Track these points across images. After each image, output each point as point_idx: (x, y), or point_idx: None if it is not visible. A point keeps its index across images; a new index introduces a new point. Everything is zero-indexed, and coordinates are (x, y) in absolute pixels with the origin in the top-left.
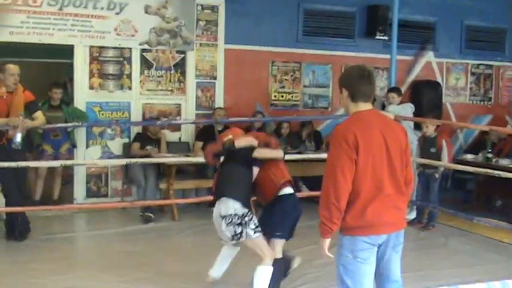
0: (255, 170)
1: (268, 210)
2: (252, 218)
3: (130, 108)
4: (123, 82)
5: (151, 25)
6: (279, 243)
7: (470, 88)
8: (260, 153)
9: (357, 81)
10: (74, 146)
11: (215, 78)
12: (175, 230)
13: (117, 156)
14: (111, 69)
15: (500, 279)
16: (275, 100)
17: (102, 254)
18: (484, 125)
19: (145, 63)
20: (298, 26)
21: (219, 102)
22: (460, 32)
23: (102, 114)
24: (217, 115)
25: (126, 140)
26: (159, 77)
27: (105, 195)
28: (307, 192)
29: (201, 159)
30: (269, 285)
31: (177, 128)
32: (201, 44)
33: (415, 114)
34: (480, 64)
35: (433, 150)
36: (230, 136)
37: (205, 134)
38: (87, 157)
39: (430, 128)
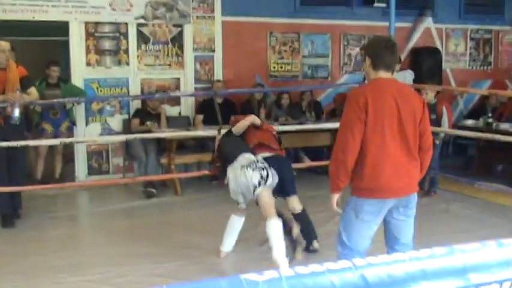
0: None
1: None
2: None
3: (128, 84)
4: (120, 58)
5: None
6: None
7: (470, 53)
8: (237, 127)
9: (380, 51)
10: (73, 123)
11: (213, 51)
12: (178, 205)
13: (117, 133)
14: (107, 45)
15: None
16: (274, 71)
17: (106, 230)
18: (484, 90)
19: (142, 38)
20: None
21: (218, 74)
22: None
23: (101, 91)
24: (216, 88)
25: (126, 116)
26: (156, 51)
27: (107, 172)
28: (308, 163)
29: (201, 133)
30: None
31: (176, 102)
32: (197, 17)
33: (415, 81)
34: (479, 29)
35: (433, 116)
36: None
37: (205, 107)
38: (87, 134)
39: (430, 94)
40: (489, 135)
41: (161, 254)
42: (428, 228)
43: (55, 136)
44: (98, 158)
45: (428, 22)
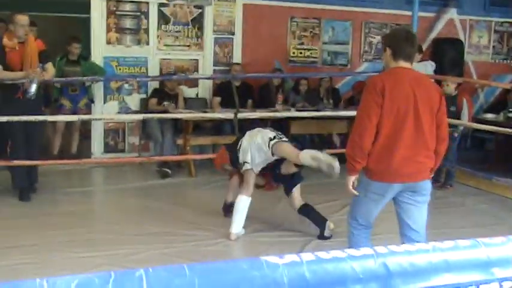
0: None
1: None
2: None
3: (147, 64)
4: (140, 37)
5: None
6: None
7: (493, 46)
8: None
9: (401, 42)
10: (91, 101)
11: (233, 34)
12: (192, 185)
13: (135, 112)
14: (128, 23)
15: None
16: (293, 56)
17: (119, 208)
18: (507, 83)
19: (163, 18)
20: None
21: (237, 58)
22: None
23: (120, 69)
24: (234, 71)
25: (144, 96)
26: (176, 32)
27: (123, 151)
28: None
29: (218, 115)
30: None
31: (194, 83)
32: None
33: (436, 72)
34: (504, 22)
35: (453, 108)
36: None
37: (223, 89)
38: (105, 112)
39: (450, 86)
40: (509, 130)
41: (174, 233)
42: (442, 221)
43: (73, 112)
44: (114, 136)
45: (452, 13)
